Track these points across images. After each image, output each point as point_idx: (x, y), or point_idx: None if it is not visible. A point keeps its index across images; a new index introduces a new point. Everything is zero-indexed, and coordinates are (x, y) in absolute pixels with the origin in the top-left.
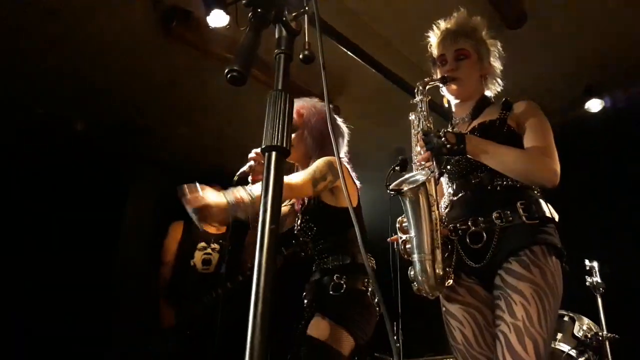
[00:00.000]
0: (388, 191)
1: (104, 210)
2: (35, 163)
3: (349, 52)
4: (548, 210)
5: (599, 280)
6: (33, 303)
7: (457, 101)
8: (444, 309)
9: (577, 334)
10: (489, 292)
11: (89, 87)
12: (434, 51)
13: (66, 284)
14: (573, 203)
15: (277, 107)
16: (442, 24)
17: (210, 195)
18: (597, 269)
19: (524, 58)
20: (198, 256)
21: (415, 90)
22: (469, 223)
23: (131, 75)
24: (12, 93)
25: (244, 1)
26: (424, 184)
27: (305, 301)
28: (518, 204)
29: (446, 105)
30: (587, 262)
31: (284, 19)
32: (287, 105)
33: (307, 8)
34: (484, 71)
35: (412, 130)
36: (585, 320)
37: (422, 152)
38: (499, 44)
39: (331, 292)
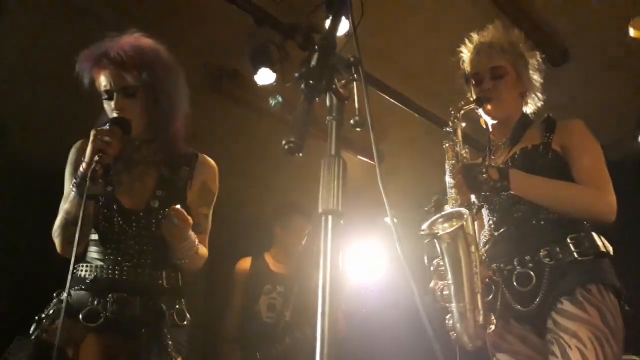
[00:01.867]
0: (421, 233)
1: None
2: None
3: (394, 101)
4: (602, 244)
5: None
6: None
7: (494, 122)
8: (494, 359)
9: None
10: (543, 338)
11: None
12: (467, 68)
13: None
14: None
15: (331, 171)
16: (476, 37)
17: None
18: None
19: (570, 94)
20: (263, 301)
21: (451, 118)
22: (515, 263)
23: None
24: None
25: (295, 74)
26: (461, 226)
27: None
28: (568, 239)
29: (484, 126)
30: None
31: (334, 86)
32: (341, 170)
33: (355, 76)
34: (523, 88)
35: (447, 161)
36: None
37: (456, 186)
38: (538, 55)
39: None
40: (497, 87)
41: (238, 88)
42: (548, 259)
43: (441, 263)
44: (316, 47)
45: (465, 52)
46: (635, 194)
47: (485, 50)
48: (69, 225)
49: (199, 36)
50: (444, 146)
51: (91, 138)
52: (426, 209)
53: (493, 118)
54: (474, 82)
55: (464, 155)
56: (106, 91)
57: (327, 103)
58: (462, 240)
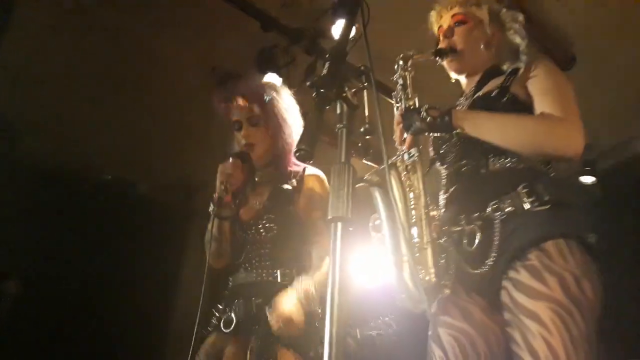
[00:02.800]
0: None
1: (162, 266)
2: (102, 224)
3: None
4: (564, 191)
5: None
6: None
7: (461, 77)
8: (430, 332)
9: None
10: (489, 314)
11: (149, 149)
12: (433, 28)
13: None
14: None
15: (341, 179)
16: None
17: (290, 309)
18: None
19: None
20: None
21: (395, 66)
22: (462, 222)
23: (189, 135)
24: (84, 161)
25: (307, 83)
26: (393, 165)
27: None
28: (520, 187)
29: (453, 81)
30: None
31: (345, 94)
32: (351, 177)
33: (365, 84)
34: (489, 39)
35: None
36: None
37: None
38: (520, 16)
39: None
40: (457, 35)
41: None
42: (497, 213)
43: (377, 217)
44: (327, 55)
45: (432, 15)
46: (636, 197)
47: (447, 4)
48: (209, 243)
49: (207, 41)
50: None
51: (218, 171)
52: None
53: (456, 72)
54: (438, 37)
55: (410, 104)
56: (235, 121)
57: (338, 111)
58: (398, 184)
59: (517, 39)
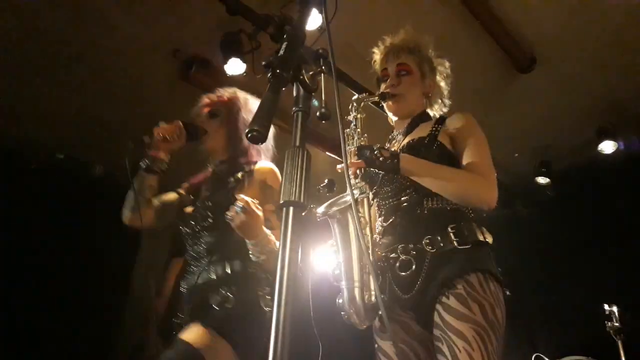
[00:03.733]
0: (316, 214)
1: (118, 250)
2: (55, 206)
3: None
4: (481, 234)
5: (619, 325)
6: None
7: (396, 118)
8: (376, 345)
9: None
10: (423, 327)
11: (107, 130)
12: (377, 67)
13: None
14: (591, 244)
15: (294, 162)
16: (388, 41)
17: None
18: (616, 314)
19: (536, 100)
20: None
21: (350, 107)
22: (399, 251)
23: (150, 118)
24: (35, 137)
25: (263, 63)
26: (352, 205)
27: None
28: (449, 228)
29: (391, 123)
30: (606, 307)
31: (302, 77)
32: (305, 161)
33: (323, 67)
34: (426, 89)
35: (346, 148)
36: None
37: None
38: (446, 63)
39: (215, 306)
40: (400, 83)
41: (208, 77)
42: (430, 247)
43: (333, 243)
44: (285, 36)
45: (377, 53)
46: (596, 197)
47: (394, 50)
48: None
49: (171, 22)
50: (345, 134)
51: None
52: (319, 187)
53: (394, 114)
54: (382, 79)
55: (362, 142)
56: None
57: (294, 94)
58: (354, 220)
59: (443, 84)
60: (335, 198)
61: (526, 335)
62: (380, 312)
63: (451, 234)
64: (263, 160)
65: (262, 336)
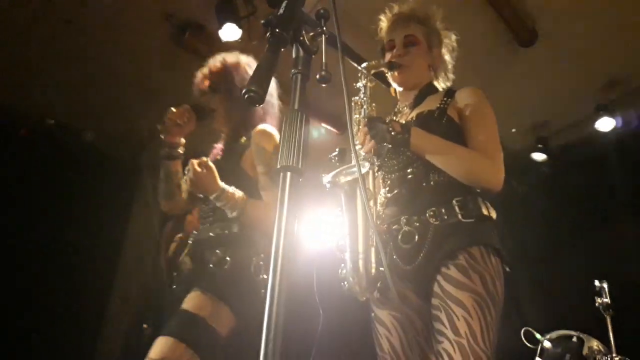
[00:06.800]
0: (325, 184)
1: (110, 220)
2: (45, 172)
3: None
4: (486, 208)
5: (609, 301)
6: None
7: (401, 89)
8: (372, 314)
9: (585, 355)
10: (423, 299)
11: (100, 98)
12: (384, 35)
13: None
14: (585, 222)
15: (292, 127)
16: (395, 8)
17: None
18: (606, 289)
19: (536, 75)
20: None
21: (359, 75)
22: (402, 222)
23: (142, 86)
24: (26, 103)
25: (262, 21)
26: (360, 177)
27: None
28: (454, 201)
29: (393, 94)
30: (596, 282)
31: (302, 38)
32: (303, 125)
33: (325, 28)
34: (432, 61)
35: (354, 117)
36: (595, 341)
37: (360, 135)
38: (453, 36)
39: (212, 267)
40: (407, 54)
41: (202, 43)
42: (434, 219)
43: (340, 214)
44: None
45: (384, 21)
46: (588, 174)
47: (402, 20)
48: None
49: None
50: (352, 102)
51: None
52: (330, 156)
53: (400, 85)
54: (387, 49)
55: (371, 111)
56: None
57: (294, 55)
58: (361, 195)
59: (448, 57)
60: (342, 167)
61: (516, 310)
62: (379, 284)
63: (456, 207)
64: (262, 124)
65: (257, 300)
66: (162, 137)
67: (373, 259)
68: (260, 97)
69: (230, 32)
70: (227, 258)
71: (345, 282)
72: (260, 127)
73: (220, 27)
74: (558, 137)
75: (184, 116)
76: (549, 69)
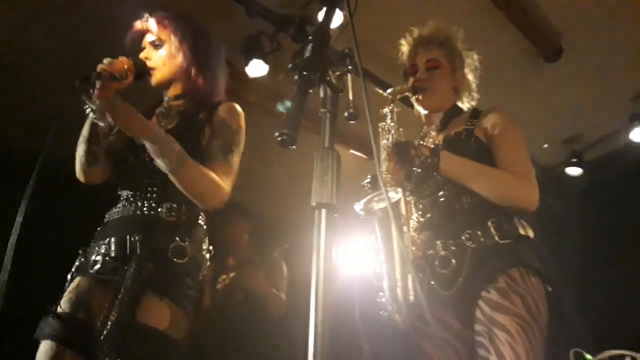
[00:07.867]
0: (358, 212)
1: None
2: None
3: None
4: (522, 228)
5: None
6: None
7: (426, 112)
8: (416, 343)
9: None
10: (464, 324)
11: None
12: (405, 59)
13: None
14: (626, 235)
15: (325, 164)
16: (416, 31)
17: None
18: None
19: (563, 89)
20: None
21: (385, 101)
22: (438, 247)
23: None
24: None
25: (289, 65)
26: (395, 204)
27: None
28: (489, 222)
29: (416, 114)
30: None
31: (328, 78)
32: (335, 162)
33: (350, 67)
34: (456, 83)
35: (381, 142)
36: None
37: (389, 161)
38: (475, 56)
39: (174, 259)
40: (430, 78)
41: (230, 79)
42: (470, 242)
43: (375, 241)
44: (310, 38)
45: (405, 45)
46: (626, 186)
47: (423, 44)
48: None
49: None
50: (379, 128)
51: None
52: (362, 184)
53: (425, 108)
54: (410, 73)
55: (399, 136)
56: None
57: (321, 95)
58: (395, 218)
59: (471, 77)
60: (373, 195)
61: (563, 330)
62: (419, 312)
63: (492, 228)
64: (230, 102)
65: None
66: (95, 90)
67: (411, 286)
68: (292, 139)
69: (257, 68)
70: (188, 252)
71: (384, 311)
72: (235, 106)
73: (246, 64)
74: (593, 150)
75: (122, 69)
76: (577, 82)
